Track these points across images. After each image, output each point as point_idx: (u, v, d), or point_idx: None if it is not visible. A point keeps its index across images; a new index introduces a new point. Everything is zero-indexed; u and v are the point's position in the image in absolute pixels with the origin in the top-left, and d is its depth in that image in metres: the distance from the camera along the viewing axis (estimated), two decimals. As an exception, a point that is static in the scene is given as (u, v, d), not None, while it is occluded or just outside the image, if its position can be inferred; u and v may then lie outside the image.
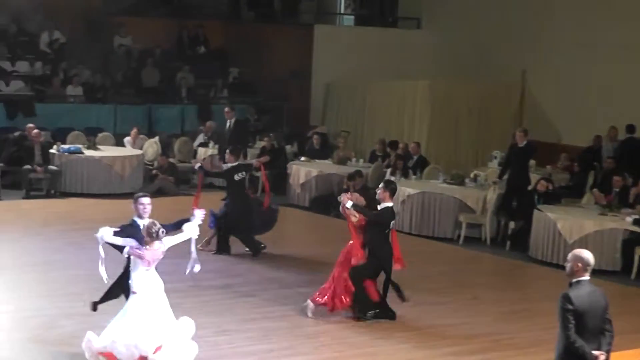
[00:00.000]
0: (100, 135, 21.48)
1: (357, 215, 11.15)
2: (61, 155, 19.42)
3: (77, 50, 23.99)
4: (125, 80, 24.47)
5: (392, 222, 11.29)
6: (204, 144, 21.63)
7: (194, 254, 9.34)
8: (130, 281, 8.94)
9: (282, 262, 14.13)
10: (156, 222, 8.91)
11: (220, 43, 26.48)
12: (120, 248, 9.00)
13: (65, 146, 19.92)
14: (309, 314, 11.10)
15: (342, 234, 16.78)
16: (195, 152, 21.50)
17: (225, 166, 15.25)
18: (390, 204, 11.28)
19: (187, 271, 9.39)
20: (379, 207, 11.29)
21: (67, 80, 23.55)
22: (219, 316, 10.95)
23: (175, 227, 9.29)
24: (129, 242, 8.87)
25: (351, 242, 11.38)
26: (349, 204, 11.16)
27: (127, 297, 9.14)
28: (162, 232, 8.81)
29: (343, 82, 24.57)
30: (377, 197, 11.44)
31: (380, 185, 11.46)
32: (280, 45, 25.19)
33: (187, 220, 9.31)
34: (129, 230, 9.20)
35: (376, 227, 11.17)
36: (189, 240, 9.23)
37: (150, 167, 20.53)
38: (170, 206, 14.45)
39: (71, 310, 10.85)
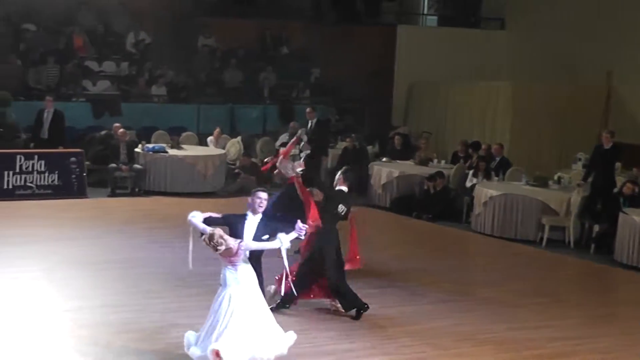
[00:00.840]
0: (183, 134, 21.73)
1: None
2: (146, 154, 19.69)
3: (161, 51, 24.28)
4: (209, 80, 24.70)
5: (340, 205, 11.25)
6: (285, 144, 21.70)
7: (286, 264, 9.28)
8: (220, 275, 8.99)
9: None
10: (218, 234, 8.76)
11: (303, 43, 26.56)
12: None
13: (150, 145, 20.20)
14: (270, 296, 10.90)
15: (422, 235, 16.85)
16: (277, 151, 21.59)
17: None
18: (344, 188, 11.36)
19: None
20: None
21: (152, 80, 23.88)
22: (301, 314, 10.98)
23: (269, 230, 9.22)
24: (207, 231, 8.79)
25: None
26: (298, 169, 11.44)
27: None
28: (218, 247, 8.72)
29: (425, 83, 24.46)
30: (335, 181, 11.59)
31: (340, 172, 11.60)
32: (362, 46, 25.16)
33: (289, 228, 9.18)
34: (231, 219, 9.24)
35: (326, 208, 11.14)
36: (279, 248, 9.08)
37: (233, 167, 20.70)
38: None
39: (153, 307, 10.99)
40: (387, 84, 25.26)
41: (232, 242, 8.79)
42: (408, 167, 19.86)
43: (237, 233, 9.02)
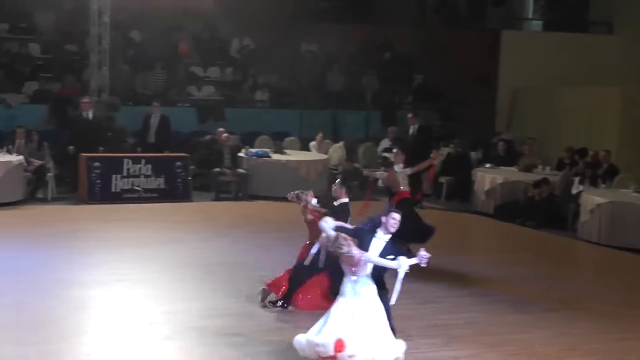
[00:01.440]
0: (286, 139, 21.88)
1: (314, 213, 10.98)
2: (249, 159, 19.88)
3: (265, 56, 24.52)
4: (311, 86, 24.83)
5: (349, 218, 10.90)
6: (388, 149, 21.66)
7: (398, 286, 9.20)
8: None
9: (466, 269, 13.98)
10: (342, 237, 8.83)
11: (406, 48, 26.48)
12: None
13: (253, 150, 20.39)
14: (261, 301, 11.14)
15: (527, 242, 16.59)
16: (380, 157, 21.54)
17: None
18: (345, 200, 11.10)
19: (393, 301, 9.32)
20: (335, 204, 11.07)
21: (255, 85, 24.12)
22: (405, 320, 10.92)
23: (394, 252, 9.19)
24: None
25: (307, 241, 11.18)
26: (313, 201, 11.03)
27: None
28: (340, 249, 8.76)
29: (530, 88, 24.13)
30: (333, 194, 11.24)
31: (336, 182, 11.32)
32: (466, 51, 24.96)
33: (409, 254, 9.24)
34: (361, 232, 9.26)
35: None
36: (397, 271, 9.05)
37: (335, 172, 20.72)
38: (355, 210, 14.47)
39: (257, 311, 11.06)
40: (491, 90, 25.00)
41: (356, 251, 8.80)
42: (512, 173, 19.61)
43: (363, 246, 9.03)
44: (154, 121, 20.22)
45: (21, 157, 17.96)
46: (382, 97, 25.13)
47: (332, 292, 9.76)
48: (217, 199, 19.28)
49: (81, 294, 11.53)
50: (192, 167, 19.57)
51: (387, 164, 13.72)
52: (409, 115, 20.75)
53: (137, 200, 18.41)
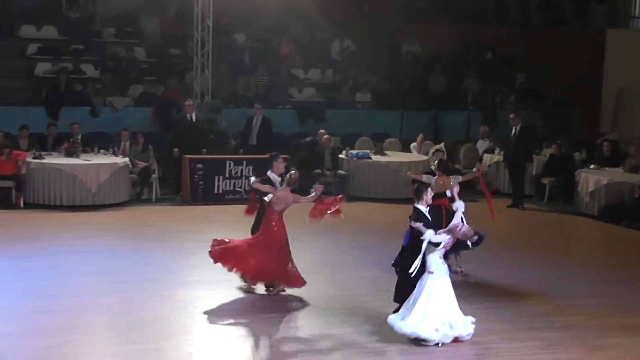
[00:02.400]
0: (387, 140, 21.86)
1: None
2: (350, 160, 19.93)
3: (365, 58, 24.54)
4: (412, 87, 24.76)
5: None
6: (489, 150, 21.46)
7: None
8: (427, 263, 9.97)
9: (569, 271, 13.77)
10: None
11: (508, 48, 26.21)
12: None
13: (354, 151, 20.42)
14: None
15: (632, 244, 16.23)
16: (481, 158, 21.38)
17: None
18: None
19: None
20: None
21: (356, 86, 24.16)
22: (503, 323, 10.84)
23: None
24: (445, 239, 10.00)
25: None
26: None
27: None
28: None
29: (636, 87, 23.61)
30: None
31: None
32: (569, 50, 24.58)
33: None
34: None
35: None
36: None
37: (436, 173, 20.60)
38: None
39: (360, 310, 11.09)
40: (595, 89, 24.56)
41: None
42: (617, 174, 19.21)
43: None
44: (256, 123, 20.42)
45: (126, 159, 18.36)
46: (483, 98, 24.91)
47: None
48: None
49: (185, 294, 11.75)
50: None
51: (444, 169, 13.30)
52: (511, 115, 20.45)
53: (238, 202, 18.57)
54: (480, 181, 13.79)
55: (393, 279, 10.67)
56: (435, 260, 9.97)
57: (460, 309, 10.09)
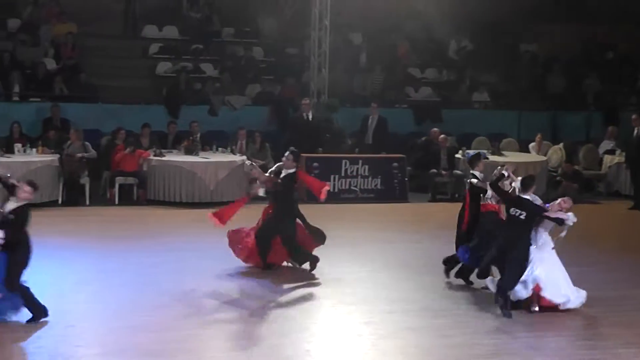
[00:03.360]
0: (504, 140, 21.61)
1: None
2: (466, 160, 19.74)
3: (483, 57, 24.33)
4: (530, 86, 24.43)
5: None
6: (610, 151, 21.01)
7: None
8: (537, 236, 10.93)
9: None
10: None
11: (631, 47, 25.59)
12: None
13: (470, 151, 20.23)
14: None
15: None
16: (601, 159, 20.94)
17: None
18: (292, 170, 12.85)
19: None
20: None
21: (473, 86, 23.97)
22: (627, 327, 10.61)
23: None
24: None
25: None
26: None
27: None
28: None
29: None
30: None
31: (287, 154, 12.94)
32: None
33: None
34: None
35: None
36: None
37: (554, 174, 20.33)
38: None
39: (476, 312, 11.01)
40: None
41: None
42: None
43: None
44: (372, 122, 20.46)
45: (244, 157, 18.60)
46: (604, 98, 24.39)
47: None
48: (433, 200, 19.30)
49: (304, 291, 11.85)
50: (408, 168, 19.66)
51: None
52: (633, 116, 20.00)
53: (354, 201, 18.68)
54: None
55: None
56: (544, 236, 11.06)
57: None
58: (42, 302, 9.98)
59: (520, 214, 10.83)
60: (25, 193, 9.90)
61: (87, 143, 18.23)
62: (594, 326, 10.84)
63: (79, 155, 17.91)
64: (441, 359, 9.42)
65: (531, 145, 21.24)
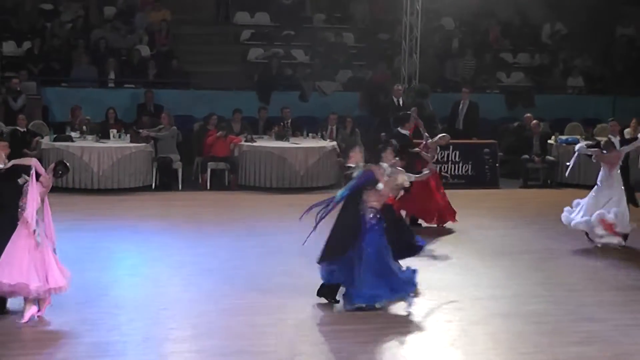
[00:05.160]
0: (598, 126, 21.20)
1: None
2: (559, 146, 19.50)
3: (577, 41, 23.93)
4: (626, 71, 23.94)
5: None
6: None
7: None
8: None
9: None
10: None
11: None
12: None
13: (563, 137, 19.98)
14: None
15: None
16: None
17: None
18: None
19: None
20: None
21: (567, 71, 23.60)
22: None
23: None
24: None
25: None
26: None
27: None
28: None
29: None
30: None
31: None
32: None
33: None
34: None
35: None
36: None
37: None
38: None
39: (568, 300, 10.88)
40: None
41: None
42: None
43: None
44: (463, 108, 20.32)
45: (334, 143, 18.65)
46: None
47: None
48: (525, 186, 19.10)
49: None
50: (500, 153, 19.48)
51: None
52: None
53: (445, 187, 18.53)
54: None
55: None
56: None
57: None
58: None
59: None
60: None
61: (174, 127, 18.42)
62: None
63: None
64: (533, 345, 9.32)
65: (626, 130, 20.78)
